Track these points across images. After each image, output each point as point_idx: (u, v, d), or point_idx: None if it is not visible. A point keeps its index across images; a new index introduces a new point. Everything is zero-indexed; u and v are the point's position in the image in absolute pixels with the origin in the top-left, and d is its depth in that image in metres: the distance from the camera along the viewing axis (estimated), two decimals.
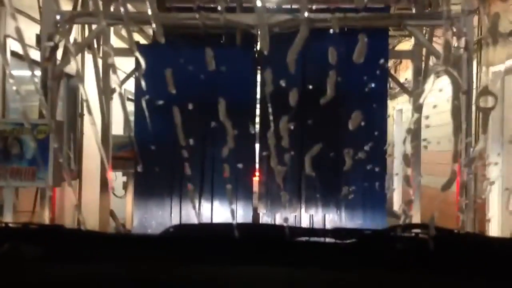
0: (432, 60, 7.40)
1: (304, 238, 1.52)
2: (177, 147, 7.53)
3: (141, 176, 7.22)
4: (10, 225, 1.55)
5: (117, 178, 8.69)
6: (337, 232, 1.52)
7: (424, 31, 7.49)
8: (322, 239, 1.51)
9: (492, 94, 1.44)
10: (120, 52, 7.11)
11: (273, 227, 2.23)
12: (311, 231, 1.85)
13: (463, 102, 5.37)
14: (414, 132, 5.43)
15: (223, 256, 1.34)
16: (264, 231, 1.70)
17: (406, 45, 10.77)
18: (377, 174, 6.74)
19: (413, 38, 8.00)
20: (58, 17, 6.27)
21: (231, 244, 1.40)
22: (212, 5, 6.96)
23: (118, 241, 1.54)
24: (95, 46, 7.93)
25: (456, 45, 5.68)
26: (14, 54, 5.98)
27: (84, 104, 8.86)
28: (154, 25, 1.38)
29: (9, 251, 1.34)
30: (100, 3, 7.82)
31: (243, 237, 1.42)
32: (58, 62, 6.48)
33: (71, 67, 8.08)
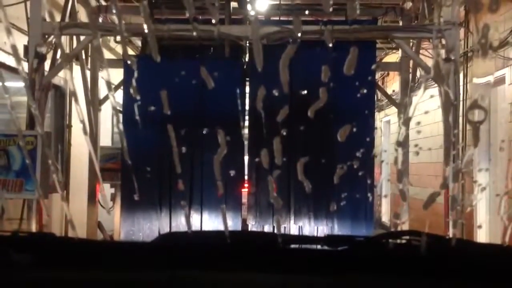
0: (419, 72, 7.46)
1: (296, 245, 1.53)
2: (165, 159, 7.55)
3: (128, 188, 7.18)
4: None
5: (104, 190, 8.63)
6: (329, 239, 1.52)
7: (411, 44, 7.56)
8: (314, 246, 1.52)
9: (482, 108, 1.44)
10: (108, 63, 7.07)
11: (265, 235, 2.21)
12: (303, 238, 1.85)
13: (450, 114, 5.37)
14: (403, 142, 5.42)
15: (215, 263, 1.33)
16: (256, 239, 1.70)
17: (393, 57, 10.86)
18: (365, 185, 6.77)
19: (400, 50, 8.06)
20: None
21: (222, 251, 1.40)
22: (200, 17, 6.97)
23: (109, 249, 1.53)
24: (83, 57, 7.93)
25: (443, 57, 5.68)
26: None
27: (75, 115, 8.81)
28: (149, 38, 1.38)
29: (0, 259, 1.34)
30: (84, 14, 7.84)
31: (235, 245, 1.42)
32: (45, 73, 6.46)
33: (59, 78, 8.07)
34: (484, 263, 1.34)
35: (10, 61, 6.18)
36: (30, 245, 1.44)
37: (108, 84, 1.56)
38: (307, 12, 6.42)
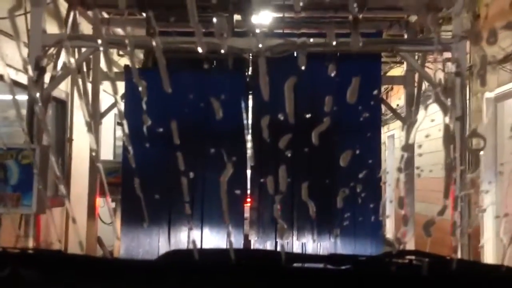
0: (424, 85, 7.43)
1: (299, 264, 1.55)
2: (166, 174, 7.51)
3: (128, 203, 7.14)
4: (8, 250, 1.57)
5: (105, 204, 8.58)
6: (332, 258, 1.56)
7: (416, 57, 7.54)
8: (316, 265, 1.54)
9: (481, 136, 1.49)
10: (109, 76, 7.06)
11: (268, 253, 2.28)
12: (306, 257, 1.93)
13: (457, 129, 5.36)
14: (407, 159, 5.39)
15: (218, 282, 1.36)
16: (259, 257, 1.74)
17: (397, 71, 10.84)
18: (372, 203, 6.69)
19: (405, 64, 8.04)
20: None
21: (226, 269, 1.43)
22: (203, 30, 6.97)
23: (115, 267, 1.55)
24: (84, 69, 7.93)
25: (449, 71, 5.70)
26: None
27: (77, 129, 8.82)
28: (157, 55, 1.44)
29: (9, 276, 1.36)
30: (90, 26, 7.87)
31: (239, 263, 1.44)
32: (45, 86, 6.46)
33: (61, 92, 8.07)
34: (486, 284, 1.37)
35: (11, 74, 6.16)
36: (38, 262, 1.46)
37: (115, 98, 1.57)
38: (311, 39, 6.38)
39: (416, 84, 7.95)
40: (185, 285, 1.34)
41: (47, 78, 6.63)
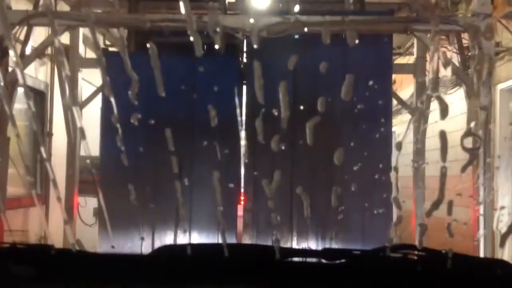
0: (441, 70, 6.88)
1: (294, 258, 1.57)
2: (150, 169, 6.67)
3: (106, 203, 6.53)
4: None
5: (87, 204, 8.11)
6: (326, 252, 1.59)
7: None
8: (312, 259, 1.56)
9: (477, 135, 1.54)
10: (90, 62, 6.53)
11: (262, 247, 2.26)
12: (300, 251, 1.93)
13: (481, 119, 4.86)
14: (417, 153, 4.92)
15: (212, 277, 1.39)
16: (253, 251, 1.76)
17: (403, 61, 10.32)
18: (380, 201, 6.18)
19: (415, 52, 7.53)
20: None
21: (219, 264, 1.45)
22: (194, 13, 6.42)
23: (107, 261, 1.58)
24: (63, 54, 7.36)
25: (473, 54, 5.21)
26: None
27: (56, 122, 8.33)
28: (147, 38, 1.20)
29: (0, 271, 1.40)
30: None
31: (232, 258, 1.47)
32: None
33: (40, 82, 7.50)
34: (479, 277, 1.41)
35: None
36: (29, 257, 1.49)
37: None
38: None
39: (427, 72, 7.39)
40: (177, 279, 1.38)
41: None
